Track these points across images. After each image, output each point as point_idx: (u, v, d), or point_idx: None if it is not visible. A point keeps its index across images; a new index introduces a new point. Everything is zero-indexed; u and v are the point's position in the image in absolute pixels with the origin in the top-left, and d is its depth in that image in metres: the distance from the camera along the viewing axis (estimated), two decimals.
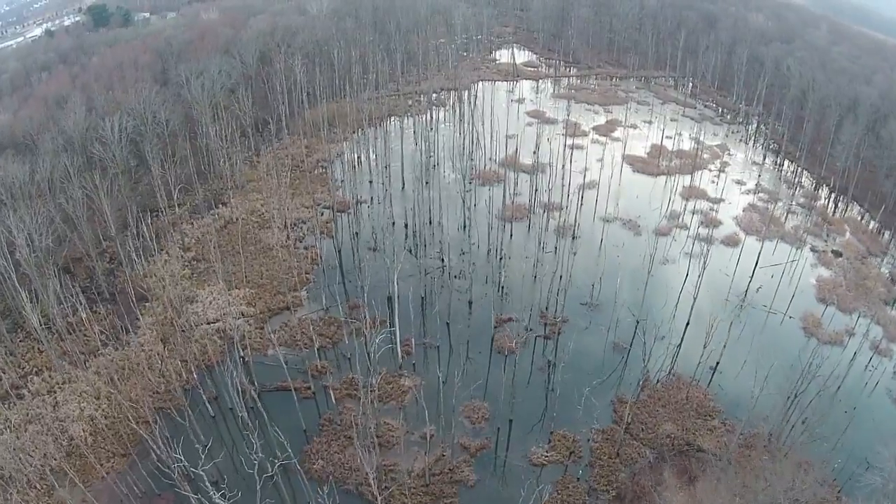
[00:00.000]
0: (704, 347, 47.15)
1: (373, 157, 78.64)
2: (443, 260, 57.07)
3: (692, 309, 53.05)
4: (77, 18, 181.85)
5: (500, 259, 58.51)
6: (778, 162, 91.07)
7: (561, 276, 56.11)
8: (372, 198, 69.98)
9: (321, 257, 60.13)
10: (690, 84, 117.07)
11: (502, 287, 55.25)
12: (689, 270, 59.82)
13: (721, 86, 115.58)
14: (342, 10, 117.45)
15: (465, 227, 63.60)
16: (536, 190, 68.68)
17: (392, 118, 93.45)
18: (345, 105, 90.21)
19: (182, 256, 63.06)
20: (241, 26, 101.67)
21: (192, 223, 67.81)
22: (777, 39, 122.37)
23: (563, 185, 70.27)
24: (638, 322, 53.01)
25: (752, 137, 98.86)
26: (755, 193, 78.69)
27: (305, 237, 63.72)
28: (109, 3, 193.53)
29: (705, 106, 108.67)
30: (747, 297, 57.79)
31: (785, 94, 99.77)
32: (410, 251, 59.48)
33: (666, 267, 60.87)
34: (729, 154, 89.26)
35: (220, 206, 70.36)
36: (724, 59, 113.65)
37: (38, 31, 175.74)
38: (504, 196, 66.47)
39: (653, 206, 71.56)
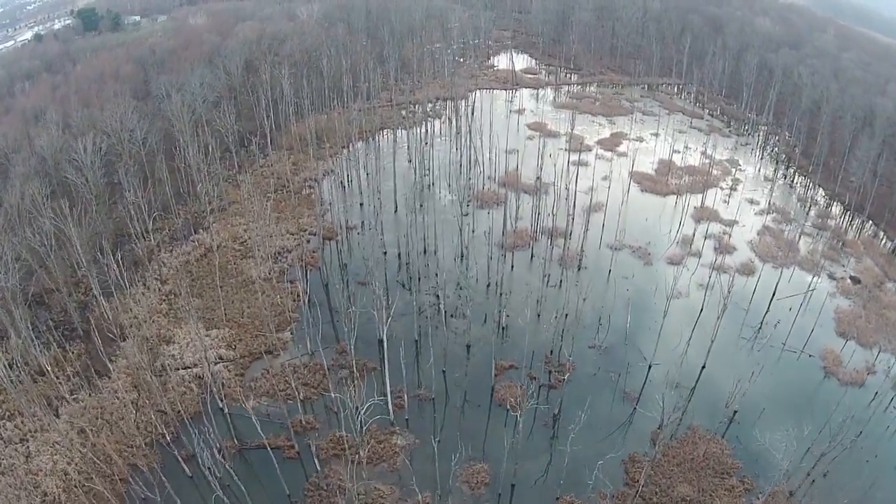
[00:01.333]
0: (727, 406, 43.28)
1: (363, 175, 74.28)
2: (438, 296, 52.91)
3: (709, 351, 49.16)
4: (67, 21, 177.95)
5: (501, 295, 54.33)
6: (790, 177, 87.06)
7: (566, 315, 52.03)
8: (363, 222, 65.49)
9: (307, 292, 55.84)
10: (697, 91, 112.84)
11: (503, 328, 51.12)
12: (704, 305, 55.81)
13: (728, 93, 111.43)
14: (333, 15, 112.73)
15: (462, 257, 59.28)
16: (539, 213, 64.48)
17: (384, 131, 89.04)
18: (334, 117, 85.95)
19: (159, 289, 58.81)
20: (228, 33, 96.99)
21: (171, 250, 63.45)
22: (785, 45, 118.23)
23: (567, 208, 66.14)
24: (650, 367, 49.12)
25: (763, 150, 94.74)
26: (769, 213, 74.58)
27: (290, 269, 59.41)
28: (101, 5, 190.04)
29: (712, 115, 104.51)
30: (764, 331, 53.93)
31: (796, 103, 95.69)
32: (403, 285, 55.24)
33: (679, 301, 56.66)
34: (740, 169, 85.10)
35: (201, 230, 66.01)
36: (732, 66, 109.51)
37: (28, 35, 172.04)
38: (504, 221, 62.21)
39: (663, 229, 67.43)
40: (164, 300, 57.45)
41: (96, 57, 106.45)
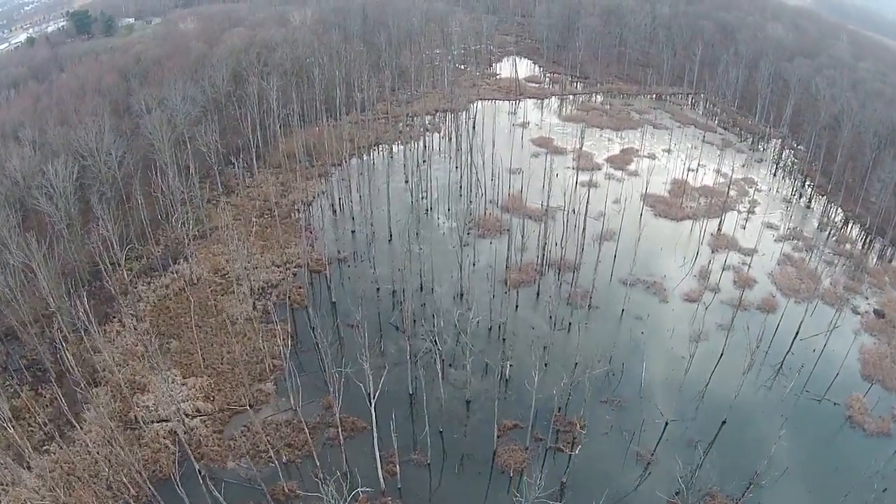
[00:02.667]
0: (749, 487, 38.78)
1: (356, 197, 69.58)
2: (435, 341, 48.37)
3: (732, 404, 44.69)
4: (61, 24, 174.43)
5: (504, 341, 49.79)
6: (809, 198, 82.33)
7: (576, 364, 47.55)
8: (355, 253, 60.63)
9: (291, 335, 51.30)
10: (709, 102, 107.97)
11: (506, 380, 46.57)
12: (725, 349, 51.26)
13: (741, 103, 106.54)
14: (328, 20, 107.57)
15: (461, 295, 54.62)
16: (546, 243, 59.80)
17: (380, 146, 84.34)
18: (327, 132, 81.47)
19: (135, 328, 54.35)
20: (216, 41, 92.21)
21: (149, 282, 59.00)
22: (800, 54, 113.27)
23: (576, 236, 61.60)
24: (667, 424, 44.60)
25: (780, 167, 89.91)
26: (788, 240, 69.95)
27: (275, 308, 54.77)
28: (95, 7, 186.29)
29: (725, 128, 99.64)
30: (786, 375, 49.54)
31: (814, 117, 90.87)
32: (397, 328, 50.65)
33: (697, 345, 52.06)
34: (756, 189, 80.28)
35: (181, 260, 61.56)
36: (745, 75, 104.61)
37: (23, 37, 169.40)
38: (508, 253, 57.56)
39: (678, 260, 62.76)
40: (140, 340, 53.01)
41: (81, 65, 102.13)
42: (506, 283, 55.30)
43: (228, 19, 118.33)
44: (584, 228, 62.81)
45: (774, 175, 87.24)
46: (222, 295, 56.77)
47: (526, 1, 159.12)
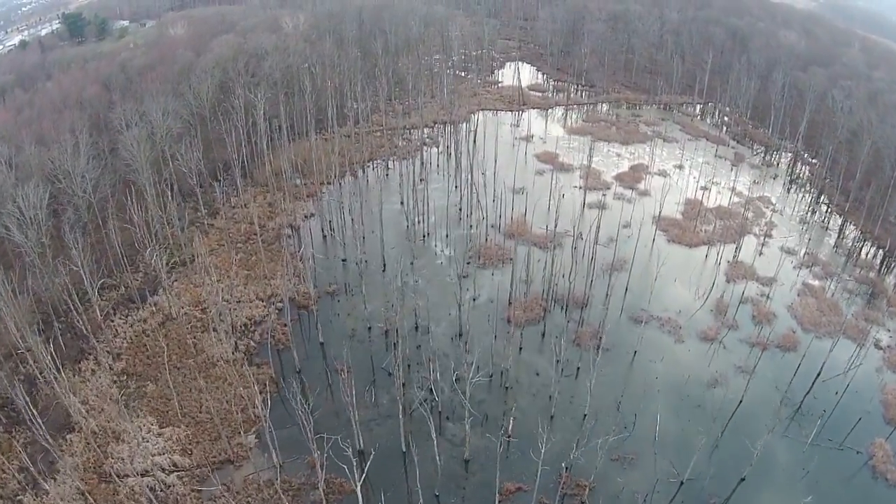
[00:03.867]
0: None
1: (348, 220, 65.42)
2: (431, 390, 44.41)
3: (754, 461, 40.66)
4: (55, 26, 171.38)
5: (507, 389, 45.78)
6: (826, 217, 78.10)
7: (585, 415, 43.58)
8: (346, 285, 56.48)
9: (274, 380, 47.27)
10: (720, 113, 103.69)
11: (509, 435, 42.52)
12: (744, 396, 47.25)
13: (753, 114, 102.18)
14: (322, 26, 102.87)
15: (459, 335, 50.50)
16: (552, 274, 55.59)
17: (374, 162, 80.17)
18: (320, 145, 77.49)
19: (111, 367, 50.44)
20: (203, 48, 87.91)
21: (126, 315, 55.09)
22: (813, 62, 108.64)
23: (584, 265, 57.57)
24: (682, 483, 40.66)
25: (796, 185, 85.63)
26: (807, 266, 65.84)
27: (258, 348, 50.68)
28: (90, 9, 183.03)
29: (738, 142, 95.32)
30: (803, 414, 45.96)
31: (831, 132, 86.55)
32: (390, 374, 46.57)
33: (715, 392, 48.15)
34: (773, 209, 76.03)
35: (161, 291, 57.56)
36: (757, 84, 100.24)
37: (17, 39, 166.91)
38: (512, 286, 53.46)
39: (694, 292, 58.57)
40: (117, 381, 49.12)
41: (66, 74, 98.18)
42: (509, 322, 51.26)
43: (220, 24, 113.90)
44: (592, 257, 58.84)
45: (789, 191, 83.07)
46: (202, 332, 52.71)
47: (529, 4, 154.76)
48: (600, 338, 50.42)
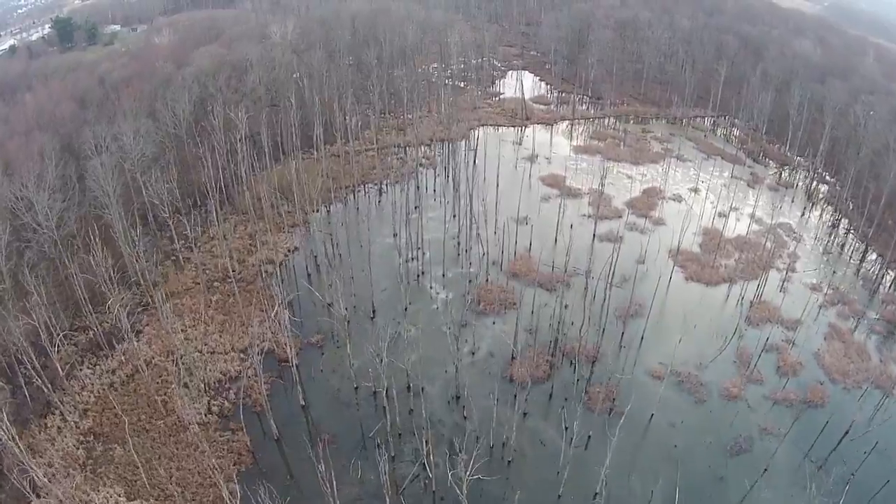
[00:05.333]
0: None
1: (335, 255, 60.10)
2: (425, 465, 39.30)
3: None
4: (46, 31, 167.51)
5: (510, 463, 40.64)
6: (844, 244, 72.84)
7: (596, 494, 38.48)
8: (332, 334, 51.02)
9: (252, 451, 42.12)
10: (735, 128, 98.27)
11: None
12: (770, 464, 42.31)
13: (769, 128, 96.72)
14: (312, 35, 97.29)
15: (456, 398, 45.25)
16: (560, 323, 50.44)
17: (366, 185, 74.81)
18: (306, 166, 72.33)
19: (77, 426, 45.44)
20: (185, 60, 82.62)
21: (94, 364, 50.04)
22: (830, 73, 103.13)
23: (595, 310, 52.39)
24: None
25: (817, 208, 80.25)
26: (833, 305, 60.68)
27: (234, 409, 45.40)
28: (83, 12, 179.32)
29: (755, 160, 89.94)
30: (828, 473, 40.79)
31: (854, 152, 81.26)
32: (379, 446, 41.40)
33: (740, 460, 43.10)
34: (794, 237, 70.78)
35: (133, 335, 52.35)
36: (773, 96, 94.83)
37: (8, 44, 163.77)
38: (515, 338, 48.17)
39: (715, 340, 53.28)
40: (83, 442, 44.15)
41: (47, 85, 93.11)
42: (511, 380, 46.07)
43: (209, 30, 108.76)
44: (605, 300, 53.62)
45: (809, 215, 77.76)
46: (173, 388, 47.63)
47: (531, 9, 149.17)
48: (613, 400, 45.27)
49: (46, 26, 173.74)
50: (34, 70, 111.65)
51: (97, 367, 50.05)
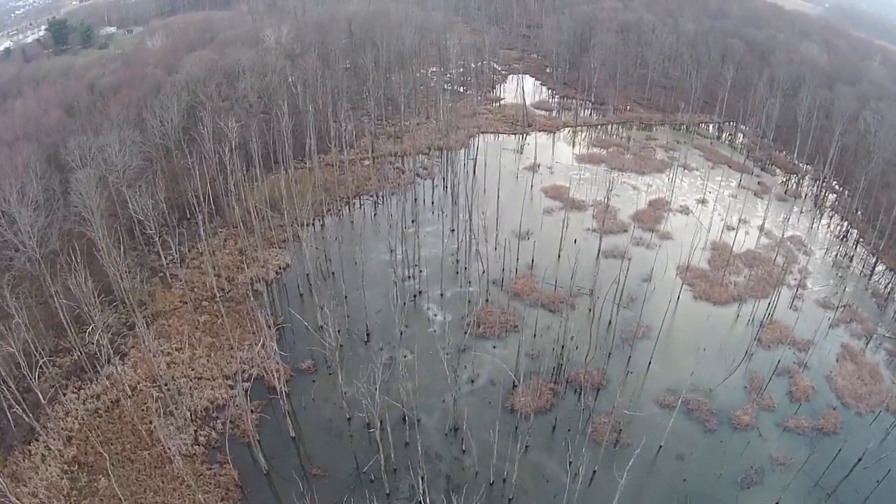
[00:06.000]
0: None
1: (329, 272, 57.67)
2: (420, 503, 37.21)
3: None
4: (41, 33, 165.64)
5: (510, 501, 38.40)
6: (853, 257, 70.52)
7: None
8: (324, 359, 48.68)
9: (240, 485, 39.96)
10: (742, 135, 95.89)
11: None
12: (782, 499, 40.19)
13: (777, 135, 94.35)
14: (306, 40, 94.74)
15: (454, 429, 43.01)
16: (563, 347, 48.17)
17: (361, 197, 72.39)
18: (299, 176, 70.04)
19: (61, 454, 43.32)
20: (175, 65, 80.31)
21: (79, 388, 47.90)
22: (838, 78, 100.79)
23: (600, 332, 50.13)
24: None
25: (826, 219, 77.89)
26: (845, 323, 58.49)
27: (222, 439, 43.20)
28: (78, 15, 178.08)
29: (763, 169, 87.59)
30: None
31: (865, 162, 78.98)
32: (372, 481, 39.19)
33: (750, 493, 40.94)
34: (805, 252, 68.52)
35: (118, 359, 50.23)
36: (781, 103, 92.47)
37: (3, 47, 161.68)
38: (517, 364, 45.83)
39: (725, 363, 51.03)
40: (67, 472, 42.04)
41: (37, 90, 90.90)
42: (512, 411, 43.86)
43: (203, 33, 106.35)
44: (610, 322, 51.38)
45: (817, 226, 75.48)
46: (159, 416, 45.46)
47: (532, 11, 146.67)
48: (619, 431, 43.08)
49: (42, 28, 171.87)
50: (26, 74, 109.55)
51: (82, 391, 48.05)
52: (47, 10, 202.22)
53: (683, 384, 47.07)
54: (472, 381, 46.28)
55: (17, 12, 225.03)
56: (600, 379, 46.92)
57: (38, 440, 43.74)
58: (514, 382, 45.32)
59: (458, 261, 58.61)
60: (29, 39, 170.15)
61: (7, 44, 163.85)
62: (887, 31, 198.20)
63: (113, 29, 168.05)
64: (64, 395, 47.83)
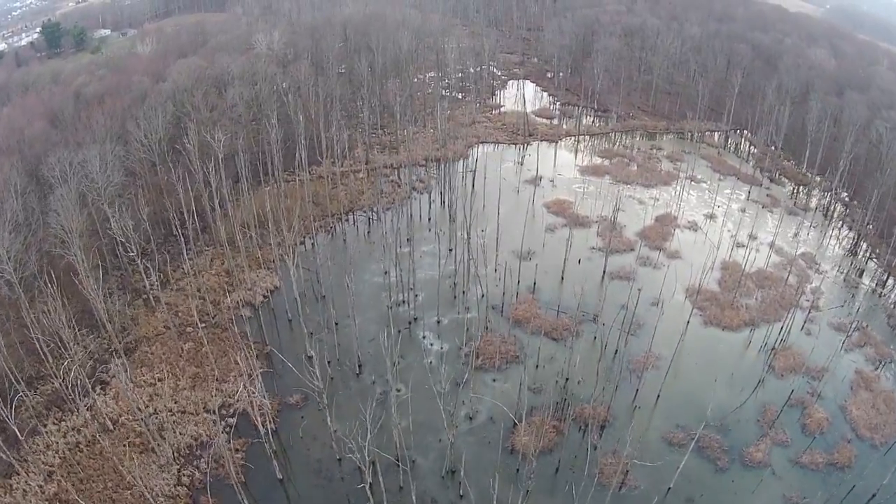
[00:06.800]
0: None
1: (320, 293, 55.06)
2: None
3: None
4: (35, 35, 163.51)
5: None
6: (876, 278, 67.94)
7: None
8: (317, 391, 46.12)
9: None
10: (750, 145, 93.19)
11: None
12: None
13: (785, 144, 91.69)
14: (299, 45, 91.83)
15: (451, 472, 40.45)
16: (567, 380, 45.58)
17: (355, 213, 69.42)
18: (290, 191, 67.34)
19: (41, 490, 40.84)
20: (163, 73, 77.55)
21: (60, 419, 45.41)
22: (848, 85, 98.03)
23: (608, 359, 47.61)
24: None
25: (837, 233, 75.19)
26: (859, 347, 55.97)
27: (205, 479, 40.70)
28: (73, 17, 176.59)
29: (771, 179, 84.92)
30: None
31: (878, 173, 76.35)
32: None
33: None
34: (817, 270, 65.89)
35: (99, 388, 47.71)
36: (791, 111, 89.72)
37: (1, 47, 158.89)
38: (518, 399, 43.21)
39: (737, 394, 48.43)
40: None
41: (25, 97, 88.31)
42: (513, 451, 41.30)
43: (195, 37, 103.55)
44: (616, 352, 48.83)
45: (828, 241, 72.83)
46: (142, 453, 42.91)
47: (533, 14, 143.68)
48: (626, 472, 40.52)
49: (36, 31, 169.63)
50: (16, 80, 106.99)
51: (63, 422, 45.58)
52: (43, 12, 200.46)
53: (694, 419, 44.62)
54: (471, 419, 43.66)
55: (15, 13, 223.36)
56: (606, 415, 44.31)
57: (19, 473, 41.42)
58: (514, 420, 42.61)
59: (455, 284, 55.88)
60: (23, 42, 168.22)
61: (1, 46, 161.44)
62: (889, 32, 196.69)
63: (107, 32, 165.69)
64: (45, 426, 45.43)
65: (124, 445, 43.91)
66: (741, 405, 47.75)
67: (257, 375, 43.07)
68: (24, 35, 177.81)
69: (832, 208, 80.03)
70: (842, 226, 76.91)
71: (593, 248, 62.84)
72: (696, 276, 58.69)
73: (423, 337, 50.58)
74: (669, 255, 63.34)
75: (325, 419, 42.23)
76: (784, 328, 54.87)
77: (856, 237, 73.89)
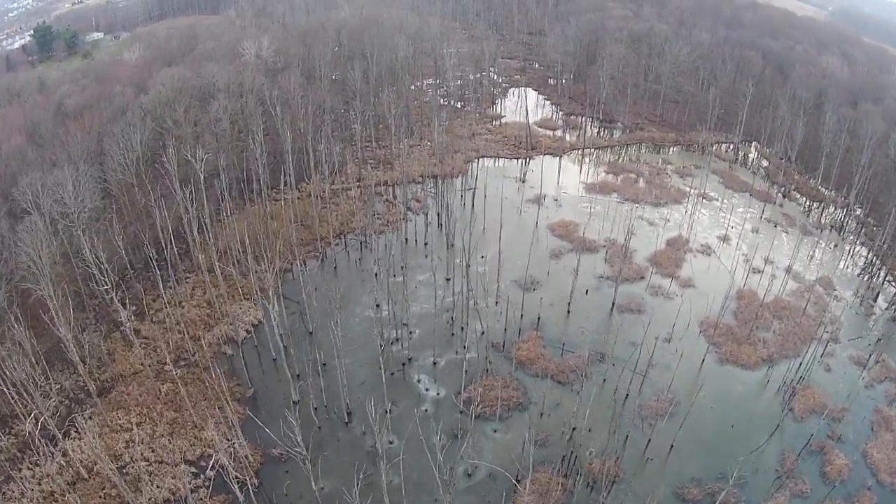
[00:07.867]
0: None
1: (305, 329, 51.29)
2: None
3: None
4: (27, 38, 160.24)
5: None
6: (893, 302, 64.50)
7: None
8: (302, 441, 42.46)
9: None
10: (762, 158, 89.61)
11: None
12: None
13: (799, 157, 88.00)
14: (290, 52, 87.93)
15: None
16: (574, 431, 42.08)
17: (346, 236, 65.37)
18: (276, 212, 63.80)
19: None
20: (147, 83, 73.93)
21: (35, 464, 42.09)
22: (862, 95, 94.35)
23: (616, 403, 44.20)
24: None
25: (854, 254, 71.58)
26: (881, 383, 52.61)
27: None
28: (66, 20, 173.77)
29: (785, 196, 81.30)
30: None
31: (893, 187, 72.94)
32: None
33: None
34: (836, 298, 62.35)
35: (72, 431, 44.31)
36: (804, 122, 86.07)
37: None
38: (523, 453, 39.73)
39: (754, 439, 45.03)
40: None
41: (9, 107, 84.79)
42: None
43: (186, 42, 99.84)
44: (627, 395, 45.39)
45: (845, 264, 69.36)
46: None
47: (534, 17, 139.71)
48: None
49: (26, 34, 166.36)
50: (2, 87, 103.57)
51: (37, 467, 42.23)
52: (39, 14, 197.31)
53: (709, 471, 41.29)
54: (469, 475, 40.11)
55: (11, 14, 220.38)
56: (616, 470, 40.83)
57: None
58: (517, 476, 39.11)
59: (453, 319, 52.18)
60: (15, 45, 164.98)
61: None
62: (892, 34, 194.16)
63: (99, 35, 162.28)
64: (19, 471, 42.11)
65: (100, 497, 40.71)
66: (760, 451, 44.43)
67: (237, 425, 39.65)
68: (17, 38, 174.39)
69: (847, 226, 76.53)
70: (858, 245, 73.43)
71: (601, 276, 59.13)
72: (711, 306, 55.29)
73: (418, 381, 46.88)
74: (682, 284, 59.65)
75: (310, 480, 38.73)
76: (803, 365, 51.45)
77: (872, 258, 70.53)
